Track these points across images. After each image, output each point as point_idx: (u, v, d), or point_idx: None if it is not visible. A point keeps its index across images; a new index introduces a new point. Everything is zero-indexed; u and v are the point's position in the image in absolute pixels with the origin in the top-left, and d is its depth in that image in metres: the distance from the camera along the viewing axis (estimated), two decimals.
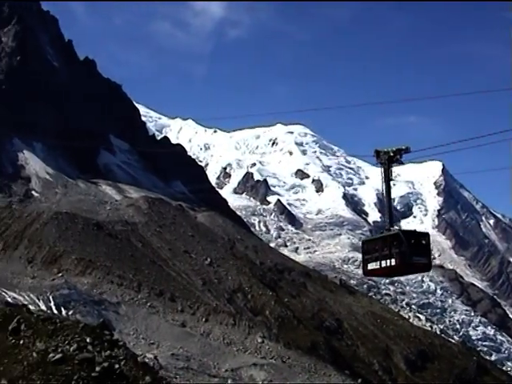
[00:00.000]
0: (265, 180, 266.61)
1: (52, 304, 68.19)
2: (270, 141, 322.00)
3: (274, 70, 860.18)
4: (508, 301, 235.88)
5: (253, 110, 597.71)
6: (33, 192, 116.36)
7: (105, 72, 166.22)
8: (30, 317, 32.52)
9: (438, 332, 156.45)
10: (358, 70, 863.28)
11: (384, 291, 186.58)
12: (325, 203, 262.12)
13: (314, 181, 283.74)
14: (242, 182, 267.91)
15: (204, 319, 76.44)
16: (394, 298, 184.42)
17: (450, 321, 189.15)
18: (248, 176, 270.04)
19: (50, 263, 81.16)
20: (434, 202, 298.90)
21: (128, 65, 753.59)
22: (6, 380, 27.45)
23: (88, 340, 30.37)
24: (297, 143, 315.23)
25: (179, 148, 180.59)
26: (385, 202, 29.83)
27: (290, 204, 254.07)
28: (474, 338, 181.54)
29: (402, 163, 28.53)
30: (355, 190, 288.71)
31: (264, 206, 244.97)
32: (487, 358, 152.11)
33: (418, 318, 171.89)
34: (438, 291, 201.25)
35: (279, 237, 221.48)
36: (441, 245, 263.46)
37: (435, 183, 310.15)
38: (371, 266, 29.86)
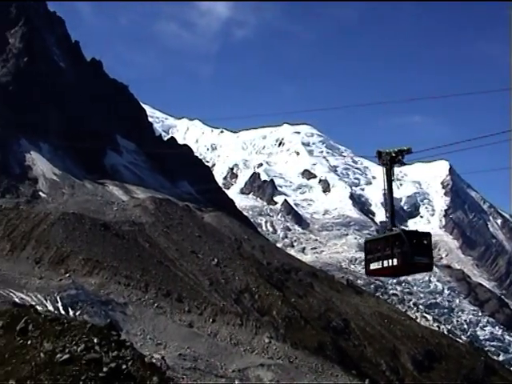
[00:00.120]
0: (271, 180, 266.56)
1: (59, 304, 68.26)
2: (276, 141, 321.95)
3: (281, 70, 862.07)
4: None
5: (259, 110, 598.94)
6: (40, 193, 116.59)
7: (111, 72, 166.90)
8: (38, 317, 32.59)
9: (446, 332, 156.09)
10: (364, 69, 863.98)
11: (391, 291, 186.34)
12: (332, 203, 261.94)
13: (320, 181, 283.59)
14: (249, 183, 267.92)
15: (211, 319, 76.42)
16: (401, 298, 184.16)
17: (457, 321, 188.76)
18: (255, 176, 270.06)
19: (58, 264, 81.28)
20: (441, 201, 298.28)
21: (134, 65, 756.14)
22: (13, 380, 27.52)
23: (95, 340, 30.40)
24: (303, 143, 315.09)
25: (186, 148, 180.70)
26: (387, 202, 29.72)
27: (296, 204, 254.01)
28: (481, 338, 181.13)
29: (403, 164, 28.66)
30: (362, 190, 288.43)
31: (271, 206, 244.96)
32: (495, 358, 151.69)
33: (426, 318, 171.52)
34: (446, 291, 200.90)
35: (286, 237, 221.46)
36: (448, 245, 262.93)
37: (442, 183, 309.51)
38: (373, 265, 30.01)
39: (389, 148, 28.39)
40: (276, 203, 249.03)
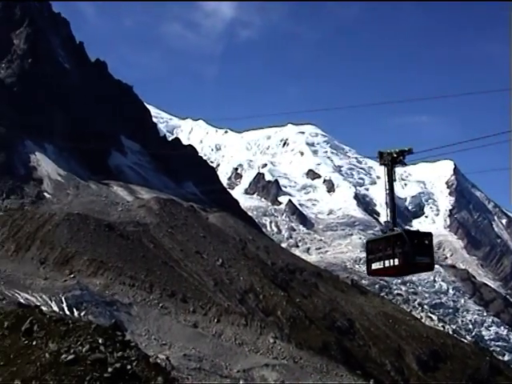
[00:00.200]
0: (276, 180, 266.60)
1: (64, 305, 68.34)
2: (281, 141, 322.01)
3: (285, 70, 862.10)
4: None
5: (264, 111, 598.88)
6: (45, 193, 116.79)
7: (116, 73, 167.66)
8: (43, 318, 32.65)
9: (451, 332, 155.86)
10: (369, 69, 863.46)
11: (396, 291, 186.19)
12: (336, 203, 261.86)
13: (325, 181, 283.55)
14: (254, 183, 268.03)
15: (216, 320, 76.44)
16: (405, 298, 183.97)
17: (462, 321, 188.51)
18: (259, 176, 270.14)
19: (62, 264, 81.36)
20: (445, 201, 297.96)
21: (139, 66, 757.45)
22: (19, 380, 27.61)
23: (100, 341, 30.47)
24: (308, 143, 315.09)
25: (190, 149, 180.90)
26: (389, 202, 29.94)
27: (301, 204, 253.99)
28: (486, 338, 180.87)
29: (405, 164, 28.83)
30: (367, 189, 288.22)
31: (275, 207, 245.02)
32: (500, 358, 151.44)
33: (430, 318, 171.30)
34: (451, 291, 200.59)
35: (290, 237, 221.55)
36: (453, 245, 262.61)
37: (447, 183, 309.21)
38: (375, 265, 30.20)
39: (390, 148, 28.53)
40: (280, 203, 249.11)
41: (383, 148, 28.71)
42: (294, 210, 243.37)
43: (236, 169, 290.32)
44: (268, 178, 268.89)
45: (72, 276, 77.82)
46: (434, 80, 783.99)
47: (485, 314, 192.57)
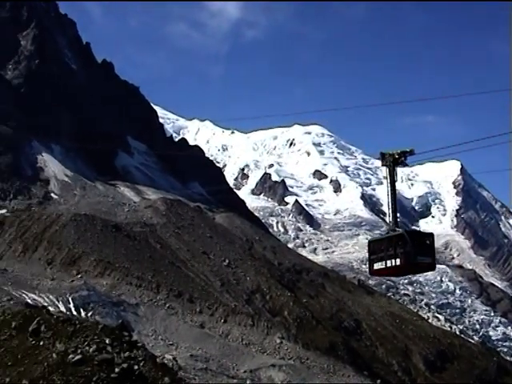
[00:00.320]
0: (282, 181, 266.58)
1: (71, 305, 68.48)
2: (287, 141, 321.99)
3: (291, 70, 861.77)
4: None
5: (270, 111, 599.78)
6: (52, 194, 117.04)
7: (122, 74, 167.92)
8: (50, 318, 32.71)
9: (458, 332, 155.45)
10: (375, 69, 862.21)
11: (403, 291, 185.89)
12: (343, 203, 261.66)
13: (331, 181, 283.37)
14: (260, 183, 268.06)
15: (222, 320, 76.50)
16: (412, 298, 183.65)
17: (469, 321, 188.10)
18: (266, 177, 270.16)
19: (69, 265, 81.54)
20: (452, 201, 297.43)
21: (145, 67, 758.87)
22: (26, 381, 27.67)
23: (107, 341, 30.49)
24: (314, 144, 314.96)
25: (197, 149, 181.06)
26: (390, 203, 30.05)
27: (307, 205, 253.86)
28: (493, 338, 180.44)
29: (406, 165, 29.15)
30: (373, 190, 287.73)
31: (282, 207, 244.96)
32: (507, 358, 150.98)
33: (437, 318, 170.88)
34: (457, 291, 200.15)
35: (297, 237, 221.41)
36: (460, 244, 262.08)
37: (454, 183, 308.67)
38: (377, 265, 30.57)
39: (392, 149, 28.72)
40: (287, 204, 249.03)
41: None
42: (301, 211, 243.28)
43: (242, 169, 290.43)
44: (275, 178, 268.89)
45: (79, 276, 78.00)
46: (441, 80, 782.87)
47: (492, 314, 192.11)
